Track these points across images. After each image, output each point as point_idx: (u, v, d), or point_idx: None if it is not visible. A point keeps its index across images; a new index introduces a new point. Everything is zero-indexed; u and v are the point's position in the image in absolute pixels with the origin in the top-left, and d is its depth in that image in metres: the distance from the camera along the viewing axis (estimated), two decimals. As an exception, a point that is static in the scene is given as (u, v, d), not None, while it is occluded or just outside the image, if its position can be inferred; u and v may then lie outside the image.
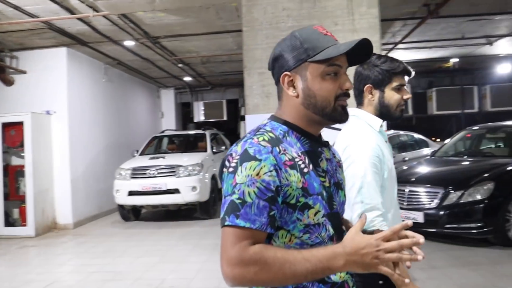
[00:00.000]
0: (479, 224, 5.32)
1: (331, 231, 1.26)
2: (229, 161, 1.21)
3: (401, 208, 5.81)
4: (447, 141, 7.92)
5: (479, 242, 5.56)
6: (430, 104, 14.15)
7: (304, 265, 1.09)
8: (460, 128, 8.32)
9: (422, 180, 6.03)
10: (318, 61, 1.24)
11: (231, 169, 1.18)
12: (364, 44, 1.25)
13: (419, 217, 5.61)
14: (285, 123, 1.30)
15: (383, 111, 1.97)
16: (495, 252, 5.27)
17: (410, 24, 8.07)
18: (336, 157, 1.45)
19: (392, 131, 10.04)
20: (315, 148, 1.31)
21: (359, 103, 2.03)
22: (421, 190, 5.78)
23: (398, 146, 9.38)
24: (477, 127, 7.71)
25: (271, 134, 1.24)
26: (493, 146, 7.56)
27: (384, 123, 2.06)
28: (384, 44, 9.71)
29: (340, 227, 1.32)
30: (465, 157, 6.98)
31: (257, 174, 1.14)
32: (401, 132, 9.96)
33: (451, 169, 6.34)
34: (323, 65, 1.24)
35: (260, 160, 1.15)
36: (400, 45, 9.78)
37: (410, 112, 13.98)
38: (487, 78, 13.92)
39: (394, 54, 11.03)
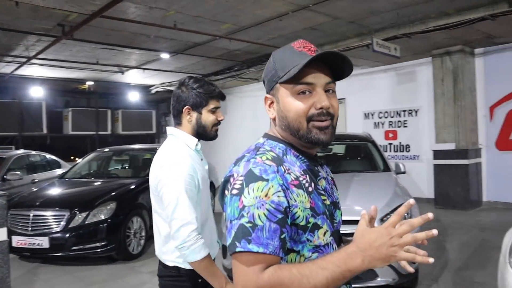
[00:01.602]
0: (103, 243, 5.56)
1: (336, 249, 1.22)
2: (231, 183, 1.12)
3: (25, 235, 5.46)
4: (78, 161, 8.00)
5: (104, 260, 5.84)
6: (66, 124, 14.07)
7: (322, 275, 1.02)
8: (94, 149, 8.56)
9: (49, 203, 5.83)
10: (286, 81, 1.18)
11: (235, 191, 1.09)
12: (335, 56, 1.17)
13: (44, 242, 5.39)
14: (281, 141, 1.25)
15: (199, 131, 2.10)
16: (118, 267, 5.65)
17: (45, 41, 7.82)
18: (329, 175, 1.41)
19: (22, 151, 9.34)
20: (313, 167, 1.27)
21: (178, 123, 2.12)
22: (48, 214, 5.59)
23: (28, 167, 8.77)
24: (106, 149, 8.14)
25: (272, 153, 1.18)
26: (119, 167, 8.14)
27: (200, 142, 2.17)
28: (16, 56, 9.03)
29: (340, 245, 1.30)
30: (93, 178, 7.22)
31: (266, 195, 1.06)
32: (33, 152, 9.35)
33: (79, 191, 6.41)
34: (291, 85, 1.18)
35: (267, 180, 1.08)
36: (35, 60, 9.31)
37: (45, 130, 13.46)
38: (119, 103, 15.04)
39: (29, 69, 10.41)
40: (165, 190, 1.92)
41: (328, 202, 1.24)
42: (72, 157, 13.27)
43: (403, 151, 10.14)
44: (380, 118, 10.52)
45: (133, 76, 11.84)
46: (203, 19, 6.85)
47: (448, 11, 6.79)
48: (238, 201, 1.08)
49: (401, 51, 7.76)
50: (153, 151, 7.51)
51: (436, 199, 9.02)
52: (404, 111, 10.07)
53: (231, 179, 1.13)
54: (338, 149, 6.61)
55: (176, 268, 2.01)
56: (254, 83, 12.51)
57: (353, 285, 1.35)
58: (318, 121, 1.18)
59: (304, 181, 1.17)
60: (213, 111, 2.11)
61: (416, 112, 9.89)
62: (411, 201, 1.05)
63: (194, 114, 2.08)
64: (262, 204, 1.05)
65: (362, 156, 6.09)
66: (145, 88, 13.52)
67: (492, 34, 7.63)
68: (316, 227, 1.15)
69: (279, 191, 1.08)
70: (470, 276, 4.74)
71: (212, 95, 2.10)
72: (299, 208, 1.12)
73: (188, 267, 1.97)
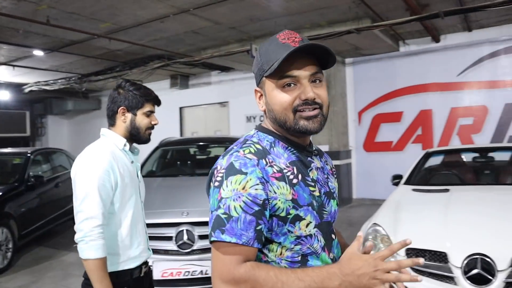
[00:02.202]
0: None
1: (323, 241, 1.22)
2: (214, 175, 1.17)
3: None
4: None
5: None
6: None
7: (297, 285, 1.04)
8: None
9: None
10: (271, 74, 1.19)
11: (216, 183, 1.14)
12: (316, 48, 1.17)
13: None
14: (272, 133, 1.26)
15: (133, 133, 2.10)
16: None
17: None
18: (329, 164, 1.42)
19: None
20: (304, 157, 1.26)
21: (111, 124, 2.12)
22: None
23: None
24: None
25: (258, 146, 1.20)
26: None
27: (138, 146, 2.21)
28: None
29: (329, 235, 1.27)
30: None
31: (243, 188, 1.09)
32: None
33: None
34: (276, 78, 1.20)
35: (245, 174, 1.11)
36: None
37: None
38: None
39: None
40: (78, 183, 1.92)
41: (317, 193, 1.23)
42: None
43: (283, 153, 10.65)
44: (261, 121, 10.93)
45: (2, 74, 10.81)
46: (79, 16, 6.54)
47: (320, 23, 7.34)
48: (218, 193, 1.12)
49: (279, 58, 8.16)
50: (24, 155, 6.96)
51: (313, 198, 9.62)
52: (285, 115, 10.58)
53: (215, 172, 1.18)
54: (219, 151, 6.73)
55: None
56: (138, 84, 12.19)
57: None
58: (304, 111, 1.18)
59: (288, 173, 1.18)
60: (147, 115, 2.13)
61: (295, 116, 10.45)
62: (408, 240, 1.07)
63: (129, 115, 2.09)
64: (239, 197, 1.09)
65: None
66: (17, 87, 12.40)
67: (359, 46, 8.40)
68: (298, 218, 1.16)
69: (257, 184, 1.11)
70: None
71: (148, 98, 2.12)
72: (279, 200, 1.13)
73: (109, 270, 1.90)
